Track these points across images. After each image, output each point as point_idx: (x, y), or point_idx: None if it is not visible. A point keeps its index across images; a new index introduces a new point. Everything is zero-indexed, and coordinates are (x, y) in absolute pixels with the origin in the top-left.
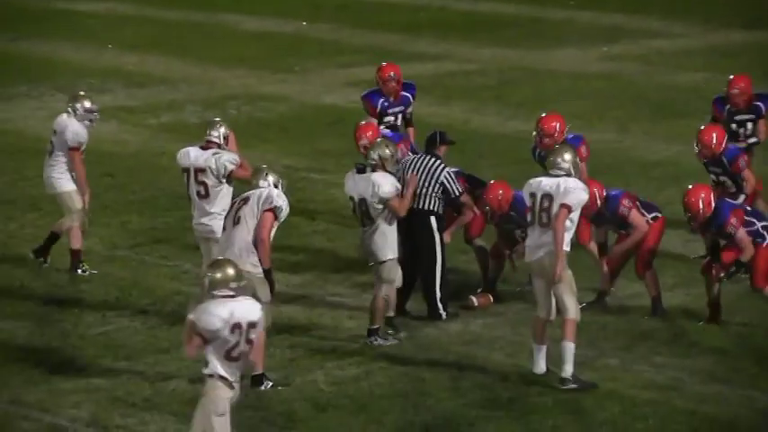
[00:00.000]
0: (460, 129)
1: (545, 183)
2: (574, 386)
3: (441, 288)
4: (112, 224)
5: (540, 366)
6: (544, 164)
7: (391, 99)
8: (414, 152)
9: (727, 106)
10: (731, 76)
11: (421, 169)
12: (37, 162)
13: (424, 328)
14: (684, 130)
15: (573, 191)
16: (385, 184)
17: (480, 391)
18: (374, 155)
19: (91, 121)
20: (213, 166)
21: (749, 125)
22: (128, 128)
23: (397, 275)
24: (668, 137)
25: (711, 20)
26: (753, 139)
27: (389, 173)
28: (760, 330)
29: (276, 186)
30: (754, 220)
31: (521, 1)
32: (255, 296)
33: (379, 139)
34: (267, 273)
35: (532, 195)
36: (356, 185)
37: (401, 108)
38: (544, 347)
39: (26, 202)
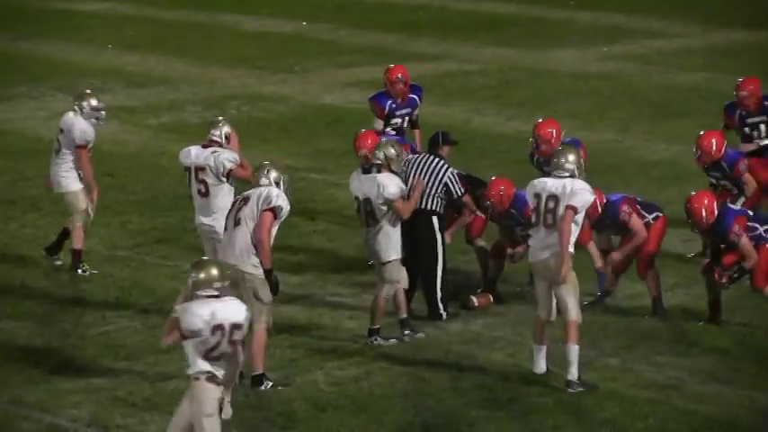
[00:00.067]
0: (461, 129)
1: (550, 184)
2: (580, 389)
3: (441, 288)
4: (112, 224)
5: (541, 366)
6: (543, 169)
7: (399, 101)
8: (413, 152)
9: (738, 110)
10: (740, 80)
11: (424, 169)
12: (37, 162)
13: (424, 328)
14: (684, 130)
15: (579, 192)
16: (390, 185)
17: (480, 391)
18: (380, 155)
19: (97, 119)
20: (212, 164)
21: (762, 127)
22: (128, 128)
23: (400, 276)
24: (668, 137)
25: (711, 19)
26: (766, 141)
27: (394, 173)
28: (760, 330)
29: (278, 183)
30: (757, 225)
31: (521, 1)
32: (257, 297)
33: (384, 139)
34: (268, 273)
35: (537, 196)
36: (361, 185)
37: (408, 110)
38: (544, 348)
39: (26, 202)
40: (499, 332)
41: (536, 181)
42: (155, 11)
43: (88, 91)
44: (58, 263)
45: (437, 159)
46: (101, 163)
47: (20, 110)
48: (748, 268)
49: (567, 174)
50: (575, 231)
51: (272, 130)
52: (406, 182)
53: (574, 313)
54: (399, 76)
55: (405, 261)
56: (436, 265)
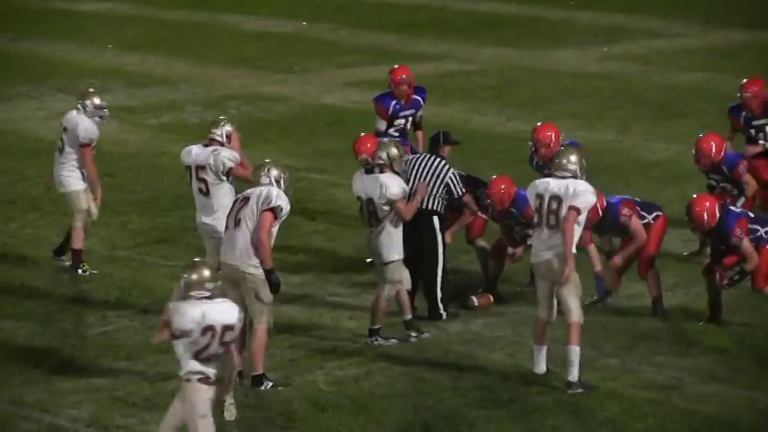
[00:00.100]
0: (461, 129)
1: (553, 184)
2: (580, 390)
3: (441, 288)
4: (112, 224)
5: (541, 367)
6: (542, 172)
7: (402, 102)
8: (413, 153)
9: (743, 113)
10: (743, 81)
11: (425, 169)
12: (37, 162)
13: (424, 327)
14: (684, 130)
15: (582, 193)
16: (393, 185)
17: (480, 391)
18: (382, 155)
19: (101, 117)
20: (212, 163)
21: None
22: (128, 128)
23: (402, 276)
24: (668, 137)
25: (711, 19)
26: None
27: (397, 173)
28: (760, 330)
29: (278, 181)
30: (758, 227)
31: (521, 1)
32: (258, 297)
33: (386, 139)
34: (268, 273)
35: (539, 197)
36: (364, 186)
37: (412, 111)
38: (545, 348)
39: (26, 202)
40: (499, 332)
41: (538, 181)
42: (155, 11)
43: (91, 90)
44: (68, 264)
45: (438, 159)
46: (101, 163)
47: (20, 110)
48: (749, 270)
49: (570, 174)
50: (577, 232)
51: (272, 130)
52: (407, 181)
53: (576, 314)
54: (404, 77)
55: (407, 261)
56: (437, 265)
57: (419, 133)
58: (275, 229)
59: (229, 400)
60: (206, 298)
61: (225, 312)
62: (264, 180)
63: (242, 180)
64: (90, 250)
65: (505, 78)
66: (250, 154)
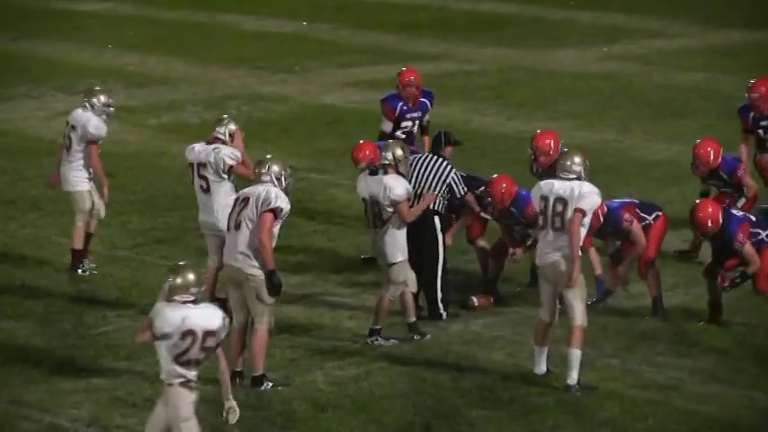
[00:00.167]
0: (461, 129)
1: (558, 186)
2: (579, 393)
3: (441, 288)
4: (112, 224)
5: (541, 367)
6: (542, 179)
7: (410, 104)
8: (413, 152)
9: (752, 113)
10: (751, 81)
11: (427, 169)
12: (37, 162)
13: (425, 327)
14: (684, 130)
15: (588, 195)
16: (397, 186)
17: (480, 391)
18: (388, 155)
19: (108, 115)
20: (212, 160)
21: None
22: (128, 128)
23: (407, 277)
24: (668, 137)
25: (711, 19)
26: None
27: (401, 175)
28: (760, 330)
29: (279, 178)
30: (760, 231)
31: (521, 1)
32: (259, 297)
33: (391, 141)
34: (270, 275)
35: (544, 198)
36: (368, 187)
37: (418, 114)
38: (545, 349)
39: (26, 202)
40: (499, 332)
41: (542, 183)
42: (155, 11)
43: (97, 87)
44: (92, 265)
45: (440, 159)
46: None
47: (20, 110)
48: (751, 273)
49: (574, 176)
50: (583, 234)
51: (272, 130)
52: (409, 181)
53: (579, 318)
54: (412, 79)
55: (411, 263)
56: (437, 265)
57: (426, 139)
58: (276, 230)
59: (228, 404)
60: (190, 302)
61: (207, 318)
62: (265, 178)
63: (244, 179)
64: (90, 250)
65: (505, 78)
66: (250, 154)
